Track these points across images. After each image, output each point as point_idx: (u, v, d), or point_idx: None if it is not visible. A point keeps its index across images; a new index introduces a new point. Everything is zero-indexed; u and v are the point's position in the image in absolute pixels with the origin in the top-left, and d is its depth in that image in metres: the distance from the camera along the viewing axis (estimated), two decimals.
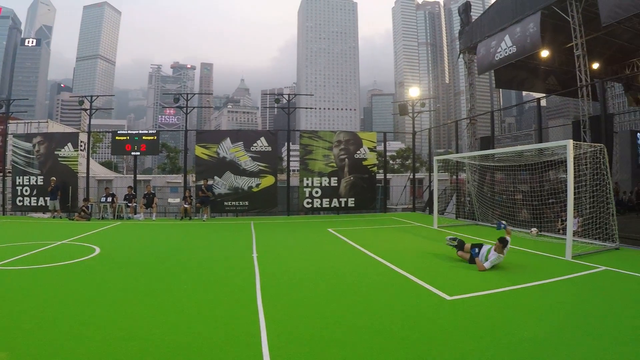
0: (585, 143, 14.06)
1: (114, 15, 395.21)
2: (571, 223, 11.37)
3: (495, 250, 9.83)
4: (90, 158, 26.98)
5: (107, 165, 76.16)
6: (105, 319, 6.21)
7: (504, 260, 10.14)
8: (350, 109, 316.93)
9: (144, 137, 25.51)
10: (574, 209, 12.41)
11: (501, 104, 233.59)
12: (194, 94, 28.89)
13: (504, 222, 10.71)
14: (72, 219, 22.44)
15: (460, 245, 10.63)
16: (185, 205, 23.29)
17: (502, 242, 9.83)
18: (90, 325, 5.90)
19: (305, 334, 5.67)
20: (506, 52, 20.77)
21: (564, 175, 15.73)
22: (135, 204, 24.08)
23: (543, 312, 6.65)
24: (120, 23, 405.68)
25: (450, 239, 11.21)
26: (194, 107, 27.39)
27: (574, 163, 12.07)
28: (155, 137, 25.99)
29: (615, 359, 4.88)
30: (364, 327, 5.95)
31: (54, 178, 23.79)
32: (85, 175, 25.43)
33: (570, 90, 24.46)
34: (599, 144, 13.29)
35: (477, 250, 10.10)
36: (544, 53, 21.67)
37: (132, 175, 27.61)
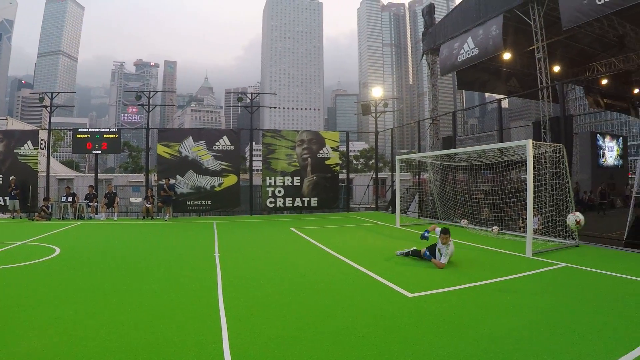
0: (544, 143, 14.32)
1: (77, 10, 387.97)
2: (531, 221, 11.53)
3: (442, 243, 9.91)
4: (51, 157, 26.38)
5: (69, 164, 75.00)
6: (65, 319, 6.05)
7: (465, 257, 10.20)
8: (314, 109, 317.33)
9: (105, 135, 25.01)
10: (535, 208, 12.62)
11: (464, 105, 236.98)
12: (157, 91, 28.46)
13: (426, 232, 10.61)
14: (32, 219, 21.87)
15: (416, 254, 10.57)
16: (147, 205, 22.89)
17: (445, 232, 9.90)
18: (50, 327, 5.75)
19: (266, 332, 5.60)
20: (469, 54, 20.99)
21: (526, 175, 16.01)
22: (96, 204, 23.60)
23: (503, 308, 6.71)
24: (84, 19, 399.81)
25: (400, 253, 11.11)
26: (156, 105, 27.05)
27: (535, 163, 12.27)
28: (117, 136, 25.58)
29: (576, 354, 4.91)
30: (326, 325, 5.93)
31: (14, 177, 23.12)
32: (45, 174, 24.90)
33: (531, 91, 24.84)
34: (558, 144, 13.55)
35: (428, 252, 10.09)
36: (506, 55, 21.98)
37: (94, 175, 27.19)
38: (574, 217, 9.59)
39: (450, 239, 9.97)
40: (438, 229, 10.26)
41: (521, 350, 5.02)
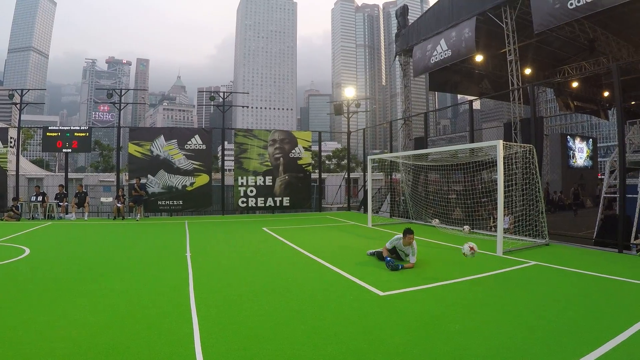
0: (515, 144, 14.49)
1: (49, 6, 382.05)
2: (501, 220, 11.64)
3: (406, 244, 9.94)
4: (21, 155, 25.95)
5: (38, 163, 73.82)
6: (36, 321, 5.93)
7: (437, 256, 10.41)
8: (287, 109, 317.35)
9: (75, 134, 24.61)
10: (505, 207, 12.76)
11: (436, 106, 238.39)
12: (129, 89, 28.16)
13: (391, 261, 10.41)
14: (1, 219, 21.44)
15: (380, 257, 10.55)
16: (118, 205, 22.54)
17: (410, 232, 9.91)
18: (21, 328, 5.63)
19: (238, 332, 5.56)
20: (442, 56, 21.17)
21: (497, 176, 16.19)
22: (66, 204, 23.23)
23: (474, 306, 6.77)
24: (56, 15, 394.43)
25: (370, 253, 11.10)
26: (128, 104, 26.78)
27: (506, 163, 12.43)
28: (88, 134, 25.17)
29: (547, 349, 4.96)
30: (298, 324, 5.90)
31: None
32: (15, 173, 24.46)
33: (503, 93, 25.11)
34: (528, 145, 13.73)
35: (388, 258, 9.87)
36: (478, 57, 22.22)
37: (64, 174, 26.79)
38: (468, 245, 9.65)
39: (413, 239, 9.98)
40: (390, 244, 10.28)
41: (492, 346, 5.06)
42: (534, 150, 13.50)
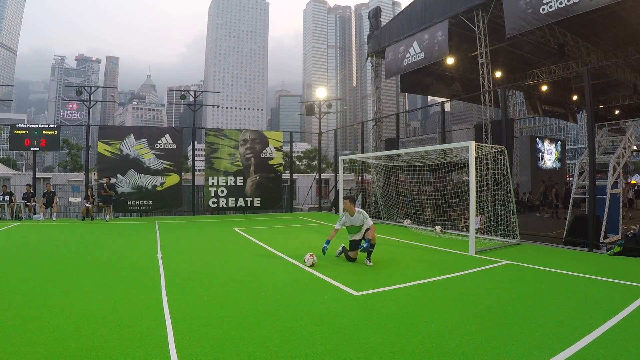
0: (486, 145, 14.62)
1: (18, 0, 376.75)
2: (474, 220, 11.74)
3: (352, 214, 10.18)
4: None
5: (6, 162, 72.81)
6: (3, 324, 5.72)
7: (410, 256, 10.65)
8: (258, 109, 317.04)
9: (44, 132, 24.09)
10: (477, 208, 12.86)
11: (406, 107, 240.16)
12: (98, 87, 27.77)
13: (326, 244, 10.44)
14: None
15: (345, 250, 10.51)
16: (87, 205, 22.15)
17: (349, 199, 10.23)
18: None
19: (212, 333, 5.47)
20: (414, 58, 21.27)
21: (467, 177, 16.33)
22: (34, 204, 22.82)
23: (449, 304, 6.77)
24: (25, 9, 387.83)
25: (338, 253, 10.99)
26: (97, 102, 26.41)
27: (477, 164, 12.50)
28: (56, 132, 24.64)
29: (522, 346, 4.98)
30: (273, 324, 5.83)
31: None
32: None
33: (474, 95, 25.42)
34: (499, 146, 13.87)
35: (364, 244, 9.91)
36: (450, 60, 22.39)
37: (31, 173, 26.34)
38: (308, 255, 9.83)
39: (354, 205, 10.21)
40: (339, 224, 10.42)
41: (469, 344, 5.06)
42: (505, 152, 13.68)
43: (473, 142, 11.90)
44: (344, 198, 10.18)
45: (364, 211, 10.19)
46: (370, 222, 9.96)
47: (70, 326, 5.70)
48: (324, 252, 10.15)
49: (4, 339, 5.19)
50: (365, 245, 9.77)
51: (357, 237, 10.25)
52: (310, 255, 9.72)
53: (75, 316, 6.14)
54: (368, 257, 9.94)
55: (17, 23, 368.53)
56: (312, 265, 9.58)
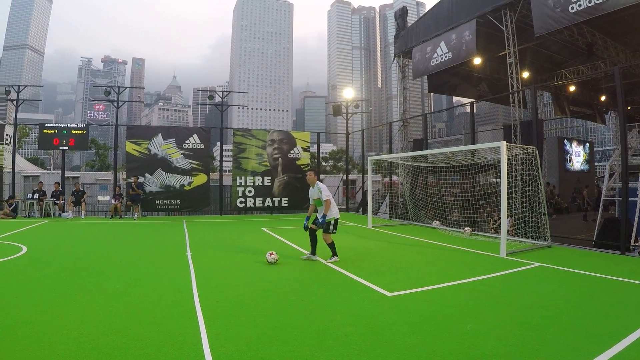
0: (517, 145, 14.43)
1: (44, 3, 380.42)
2: (505, 221, 11.61)
3: (313, 186, 10.44)
4: (16, 153, 25.84)
5: (34, 161, 73.55)
6: (34, 321, 5.77)
7: (441, 257, 10.76)
8: (283, 110, 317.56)
9: (72, 131, 24.48)
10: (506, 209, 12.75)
11: (432, 108, 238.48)
12: (126, 87, 28.04)
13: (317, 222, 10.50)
14: None
15: (322, 224, 10.28)
16: (116, 204, 22.55)
17: (313, 171, 10.76)
18: (18, 328, 5.48)
19: (246, 333, 5.45)
20: (442, 58, 21.13)
21: (494, 179, 16.17)
22: (63, 202, 23.21)
23: (483, 306, 6.72)
24: (51, 12, 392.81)
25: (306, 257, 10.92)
26: (124, 102, 26.66)
27: (507, 165, 12.37)
28: (85, 132, 25.02)
29: (559, 349, 4.93)
30: (307, 324, 5.82)
31: None
32: (10, 170, 24.32)
33: (502, 96, 25.16)
34: (530, 147, 13.66)
35: (320, 220, 10.15)
36: (477, 60, 22.20)
37: (60, 172, 26.67)
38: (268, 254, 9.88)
39: (316, 178, 10.49)
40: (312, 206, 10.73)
41: (506, 346, 5.02)
42: (537, 152, 13.50)
43: (504, 143, 11.78)
44: (309, 170, 10.41)
45: (323, 185, 10.33)
46: (324, 195, 10.10)
47: (101, 323, 5.75)
48: (305, 229, 10.38)
49: (36, 336, 5.26)
50: (320, 220, 10.00)
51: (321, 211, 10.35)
52: (270, 253, 9.93)
53: (106, 313, 6.20)
54: (333, 253, 10.48)
55: (44, 26, 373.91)
56: (275, 262, 9.83)
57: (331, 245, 10.59)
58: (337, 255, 10.53)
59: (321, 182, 10.71)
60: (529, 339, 5.30)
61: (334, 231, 10.49)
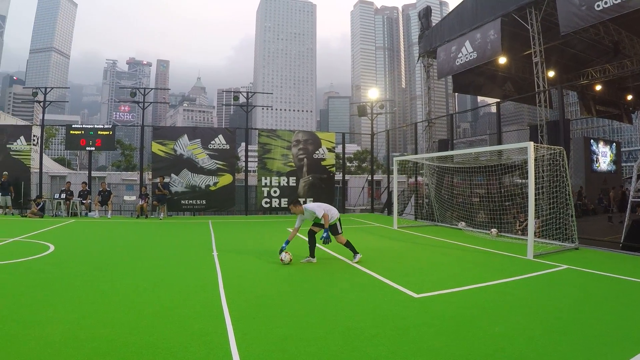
0: (544, 145, 14.28)
1: (70, 7, 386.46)
2: (532, 223, 11.49)
3: (301, 214, 10.48)
4: (44, 153, 26.25)
5: (60, 161, 74.57)
6: (63, 319, 5.86)
7: (467, 259, 10.85)
8: (307, 111, 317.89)
9: (99, 132, 24.85)
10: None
11: (456, 108, 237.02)
12: (152, 88, 28.35)
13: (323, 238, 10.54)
14: (24, 216, 21.77)
15: (327, 238, 10.24)
16: (142, 203, 22.81)
17: (291, 204, 10.71)
18: (47, 326, 5.56)
19: (272, 333, 5.48)
20: (467, 58, 21.02)
21: (519, 180, 16.02)
22: (90, 201, 23.53)
23: (511, 309, 6.67)
24: (76, 15, 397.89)
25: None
26: (150, 103, 26.93)
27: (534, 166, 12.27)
28: (111, 132, 25.44)
29: (589, 353, 4.90)
30: (333, 325, 5.84)
31: (6, 173, 22.91)
32: (38, 170, 24.72)
33: (528, 95, 24.95)
34: (558, 147, 13.49)
35: (324, 234, 10.17)
36: (502, 59, 22.02)
37: (86, 172, 27.02)
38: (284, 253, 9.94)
39: (300, 207, 10.48)
40: (299, 222, 10.59)
41: (535, 349, 4.99)
42: (564, 153, 13.35)
43: (532, 143, 11.65)
44: (288, 204, 10.60)
45: (309, 207, 10.45)
46: (320, 213, 10.21)
47: (129, 322, 5.84)
48: (280, 252, 10.24)
49: (65, 333, 5.35)
50: (324, 235, 10.03)
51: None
52: (286, 253, 10.07)
53: (134, 312, 6.28)
54: (353, 252, 10.67)
55: (70, 29, 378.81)
56: (290, 262, 9.97)
57: (348, 245, 10.74)
58: (358, 253, 10.68)
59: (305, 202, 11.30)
60: (558, 342, 5.26)
61: (341, 230, 10.76)
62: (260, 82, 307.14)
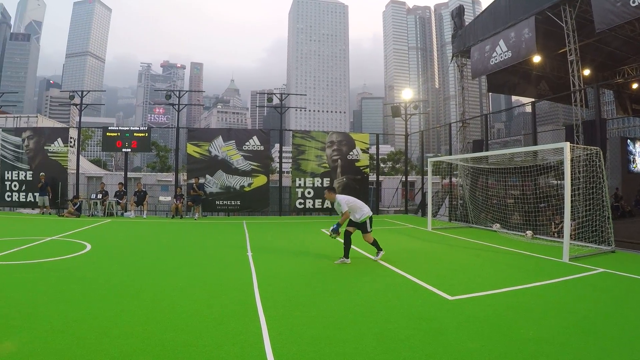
0: (580, 146, 14.06)
1: (104, 12, 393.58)
2: (568, 225, 11.33)
3: (333, 202, 10.98)
4: (80, 155, 26.83)
5: (96, 162, 75.78)
6: (99, 316, 6.02)
7: (502, 261, 10.82)
8: (340, 112, 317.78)
9: (135, 134, 25.40)
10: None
11: (490, 108, 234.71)
12: (186, 91, 28.71)
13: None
14: (61, 215, 22.29)
15: (336, 230, 10.62)
16: (176, 203, 23.17)
17: (327, 189, 11.33)
18: (84, 323, 5.75)
19: (306, 333, 5.53)
20: (501, 57, 20.80)
21: (554, 181, 15.81)
22: (125, 202, 23.99)
23: (545, 312, 6.60)
24: (111, 20, 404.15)
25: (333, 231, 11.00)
26: (185, 105, 27.25)
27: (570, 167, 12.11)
28: (147, 134, 25.95)
29: (620, 359, 4.89)
30: (367, 326, 5.85)
31: (44, 174, 23.56)
32: (74, 171, 25.27)
33: (563, 95, 24.62)
34: (594, 147, 13.26)
35: (333, 226, 10.56)
36: (536, 58, 21.74)
37: (122, 173, 27.49)
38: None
39: (334, 194, 10.93)
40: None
41: (569, 354, 4.95)
42: (601, 153, 13.12)
43: (568, 144, 11.49)
44: (326, 189, 11.24)
45: (340, 198, 10.89)
46: (343, 209, 10.64)
47: (164, 320, 5.97)
48: (334, 232, 10.57)
49: (101, 330, 5.50)
50: (334, 226, 10.51)
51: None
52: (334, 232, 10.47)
53: (169, 311, 6.42)
54: (377, 249, 11.18)
55: (104, 33, 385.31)
56: (331, 236, 10.52)
57: (374, 243, 11.05)
58: (382, 250, 11.07)
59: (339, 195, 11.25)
60: (593, 347, 5.22)
61: (371, 229, 10.93)
62: (293, 83, 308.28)
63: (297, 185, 25.42)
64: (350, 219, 10.76)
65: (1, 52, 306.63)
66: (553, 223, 15.90)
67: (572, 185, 12.52)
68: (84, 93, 25.93)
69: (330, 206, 25.15)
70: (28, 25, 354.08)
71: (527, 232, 15.40)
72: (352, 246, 10.93)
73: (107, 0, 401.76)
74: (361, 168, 26.41)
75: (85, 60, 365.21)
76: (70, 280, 8.21)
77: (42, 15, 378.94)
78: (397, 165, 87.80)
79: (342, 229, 10.66)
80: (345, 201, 10.71)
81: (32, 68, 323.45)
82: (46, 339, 5.16)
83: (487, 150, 21.32)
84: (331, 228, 10.51)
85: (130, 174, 33.71)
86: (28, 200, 24.46)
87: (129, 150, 25.47)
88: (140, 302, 6.82)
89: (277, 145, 29.06)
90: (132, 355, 4.75)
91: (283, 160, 27.62)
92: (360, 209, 10.84)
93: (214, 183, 24.46)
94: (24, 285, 7.79)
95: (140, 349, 4.92)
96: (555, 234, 15.28)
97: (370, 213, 11.04)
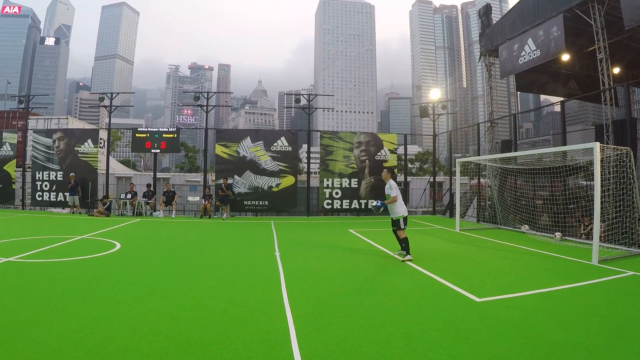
0: (610, 146, 13.87)
1: (132, 15, 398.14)
2: (597, 227, 11.16)
3: (385, 180, 11.55)
4: (110, 155, 27.29)
5: (126, 163, 76.60)
6: (128, 314, 6.19)
7: (530, 263, 10.73)
8: (368, 112, 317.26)
9: (164, 135, 25.84)
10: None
11: (518, 108, 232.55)
12: (215, 92, 28.96)
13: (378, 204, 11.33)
14: (91, 215, 22.74)
15: (379, 207, 11.29)
16: (205, 203, 23.45)
17: (386, 169, 12.00)
18: (113, 320, 5.88)
19: (334, 333, 5.55)
20: (530, 56, 20.60)
21: (583, 182, 15.62)
22: (154, 201, 24.33)
23: (575, 316, 6.53)
24: (139, 23, 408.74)
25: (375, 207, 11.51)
26: (214, 106, 27.49)
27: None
28: (176, 135, 26.42)
29: None
30: (394, 327, 5.85)
31: (73, 174, 24.16)
32: (104, 172, 25.73)
33: (592, 94, 24.31)
34: (625, 147, 13.09)
35: (377, 203, 11.32)
36: (565, 57, 21.51)
37: (151, 173, 27.86)
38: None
39: (390, 177, 11.52)
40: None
41: (598, 359, 4.91)
42: (631, 154, 12.94)
43: (598, 144, 11.30)
44: (387, 170, 11.79)
45: (392, 183, 11.37)
46: (393, 193, 11.14)
47: (192, 318, 6.06)
48: (376, 209, 11.36)
49: (130, 328, 5.62)
50: (378, 204, 11.29)
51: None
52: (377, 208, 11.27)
53: (197, 309, 6.51)
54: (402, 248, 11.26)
55: (132, 37, 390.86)
56: (374, 209, 11.37)
57: (405, 241, 11.13)
58: (409, 254, 11.01)
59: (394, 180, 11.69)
60: (622, 353, 5.14)
61: (405, 226, 11.19)
62: (320, 84, 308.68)
63: (325, 185, 25.50)
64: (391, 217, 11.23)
65: (32, 56, 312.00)
66: (582, 225, 15.71)
67: (601, 186, 12.36)
68: (114, 95, 26.45)
69: (357, 207, 25.21)
70: (57, 29, 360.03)
71: (556, 233, 15.24)
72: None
73: (134, 3, 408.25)
74: (389, 169, 26.16)
75: (114, 62, 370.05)
76: (100, 279, 8.37)
77: (71, 19, 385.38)
78: (425, 166, 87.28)
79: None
80: (395, 188, 11.13)
81: (62, 71, 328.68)
82: (76, 335, 5.29)
83: (515, 150, 21.17)
84: (375, 204, 11.06)
85: (159, 175, 34.10)
86: (58, 199, 25.13)
87: (158, 151, 25.85)
88: (168, 301, 6.93)
89: (304, 146, 29.20)
90: (160, 352, 4.84)
91: (311, 161, 27.74)
92: (401, 205, 11.18)
93: (242, 183, 24.70)
94: (55, 283, 7.99)
95: (168, 346, 5.01)
96: (585, 236, 15.10)
97: (406, 213, 11.30)
